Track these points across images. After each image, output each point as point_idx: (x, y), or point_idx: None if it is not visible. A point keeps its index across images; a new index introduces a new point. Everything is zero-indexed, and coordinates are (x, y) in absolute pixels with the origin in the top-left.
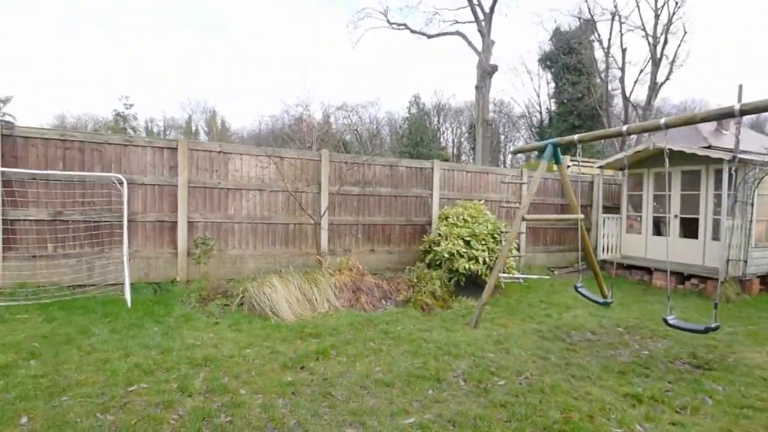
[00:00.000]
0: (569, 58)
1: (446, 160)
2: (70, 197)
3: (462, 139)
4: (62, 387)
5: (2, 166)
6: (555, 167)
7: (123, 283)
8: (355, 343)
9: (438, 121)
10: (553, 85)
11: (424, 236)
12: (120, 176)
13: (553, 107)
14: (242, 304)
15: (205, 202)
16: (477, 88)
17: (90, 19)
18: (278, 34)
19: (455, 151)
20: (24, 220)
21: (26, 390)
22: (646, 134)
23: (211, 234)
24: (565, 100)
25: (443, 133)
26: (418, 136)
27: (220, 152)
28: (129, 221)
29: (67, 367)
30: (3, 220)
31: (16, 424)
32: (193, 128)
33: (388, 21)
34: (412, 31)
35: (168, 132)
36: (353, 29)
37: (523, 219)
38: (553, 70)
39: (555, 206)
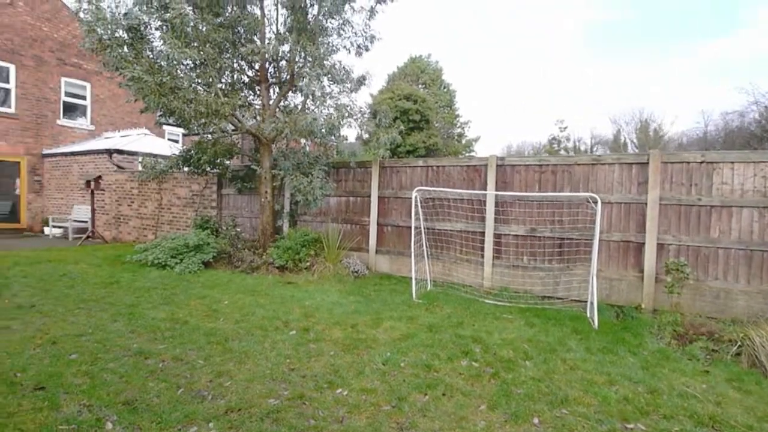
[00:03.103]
0: None
1: None
2: (542, 216)
3: None
4: (559, 398)
5: (496, 190)
6: None
7: (586, 301)
8: None
9: None
10: None
11: None
12: (595, 195)
13: None
14: (739, 354)
15: (678, 222)
16: None
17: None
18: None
19: None
20: (507, 234)
21: (530, 391)
22: None
23: (686, 259)
24: None
25: None
26: None
27: (702, 162)
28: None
29: (558, 378)
30: (495, 234)
31: (530, 423)
32: (622, 141)
33: None
34: None
35: (595, 149)
36: None
37: None
38: None
39: None
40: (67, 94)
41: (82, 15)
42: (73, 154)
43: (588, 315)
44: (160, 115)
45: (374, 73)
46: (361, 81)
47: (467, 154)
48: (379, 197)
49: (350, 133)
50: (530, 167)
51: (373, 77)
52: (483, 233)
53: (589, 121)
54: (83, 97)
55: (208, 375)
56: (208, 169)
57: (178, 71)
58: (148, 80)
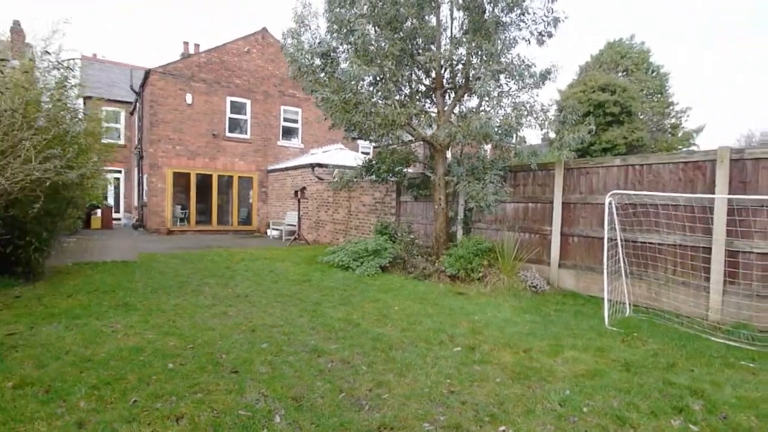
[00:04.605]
0: None
1: None
2: None
3: None
4: None
5: (730, 192)
6: None
7: None
8: None
9: None
10: None
11: None
12: None
13: None
14: None
15: None
16: None
17: None
18: None
19: None
20: (749, 252)
21: None
22: None
23: None
24: None
25: None
26: None
27: None
28: None
29: None
30: (728, 251)
31: None
32: None
33: None
34: None
35: None
36: None
37: None
38: None
39: None
40: (285, 120)
41: (289, 48)
42: (287, 169)
43: None
44: (345, 130)
45: (560, 64)
46: (544, 75)
47: (685, 149)
48: (563, 203)
49: (532, 133)
50: None
51: (559, 69)
52: (708, 249)
53: None
54: (295, 121)
55: (369, 383)
56: (387, 177)
57: (360, 87)
58: (334, 99)
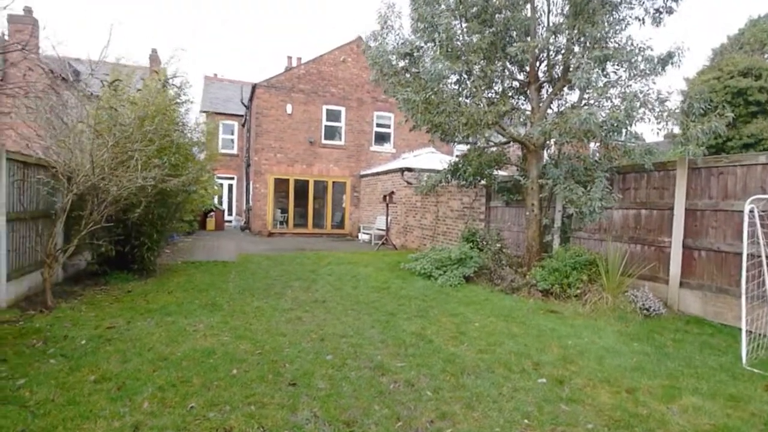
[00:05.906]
0: None
1: None
2: None
3: None
4: None
5: None
6: None
7: None
8: None
9: None
10: None
11: None
12: None
13: None
14: None
15: None
16: None
17: None
18: None
19: None
20: None
21: None
22: None
23: None
24: None
25: None
26: None
27: None
28: None
29: None
30: None
31: None
32: None
33: None
34: None
35: None
36: None
37: None
38: None
39: None
40: (377, 125)
41: (372, 50)
42: (377, 173)
43: None
44: (427, 131)
45: (686, 46)
46: (665, 60)
47: None
48: (686, 210)
49: (648, 129)
50: None
51: (685, 52)
52: None
53: None
54: (388, 126)
55: (431, 413)
56: (474, 180)
57: (443, 85)
58: (416, 99)
